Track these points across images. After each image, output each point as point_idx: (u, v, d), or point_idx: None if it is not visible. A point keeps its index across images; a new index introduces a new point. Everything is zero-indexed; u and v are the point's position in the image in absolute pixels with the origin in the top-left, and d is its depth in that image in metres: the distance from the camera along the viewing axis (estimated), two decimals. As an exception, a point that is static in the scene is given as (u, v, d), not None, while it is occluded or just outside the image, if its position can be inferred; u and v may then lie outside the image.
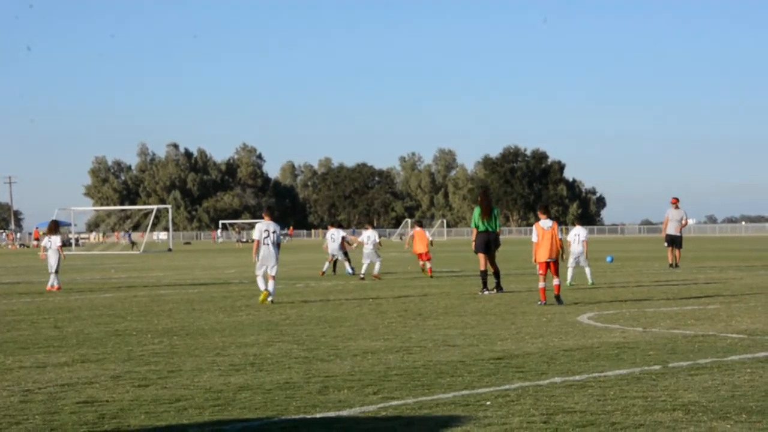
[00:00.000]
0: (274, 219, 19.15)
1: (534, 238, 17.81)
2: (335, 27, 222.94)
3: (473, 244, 20.50)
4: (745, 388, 8.79)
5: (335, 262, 30.17)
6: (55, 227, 25.56)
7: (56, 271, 24.37)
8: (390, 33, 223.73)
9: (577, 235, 23.71)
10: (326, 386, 9.15)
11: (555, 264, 17.66)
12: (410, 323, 14.70)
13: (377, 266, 27.23)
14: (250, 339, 12.96)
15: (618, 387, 8.88)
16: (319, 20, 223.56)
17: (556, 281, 17.68)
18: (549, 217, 17.98)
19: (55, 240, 24.71)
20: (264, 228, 18.81)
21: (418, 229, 28.85)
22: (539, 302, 17.54)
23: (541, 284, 17.71)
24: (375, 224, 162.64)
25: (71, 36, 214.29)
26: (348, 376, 9.68)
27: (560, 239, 17.79)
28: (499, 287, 20.48)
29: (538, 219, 18.15)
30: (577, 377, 9.42)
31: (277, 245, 18.85)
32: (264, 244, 18.78)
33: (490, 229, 20.31)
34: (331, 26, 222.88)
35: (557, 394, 8.60)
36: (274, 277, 18.87)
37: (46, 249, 24.68)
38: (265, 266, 18.79)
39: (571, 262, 23.40)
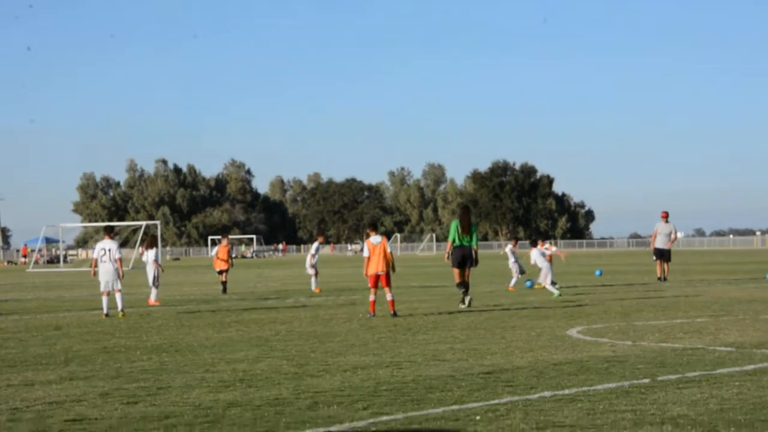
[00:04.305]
0: (113, 238, 20.50)
1: (365, 253, 18.77)
2: (323, 42, 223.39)
3: (446, 255, 20.61)
4: (734, 401, 8.82)
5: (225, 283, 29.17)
6: (152, 241, 25.77)
7: (156, 285, 24.60)
8: (378, 47, 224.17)
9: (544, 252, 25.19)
10: (316, 402, 9.14)
11: (386, 277, 18.68)
12: (400, 338, 14.70)
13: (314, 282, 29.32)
14: (239, 355, 12.94)
15: (607, 401, 8.90)
16: (306, 37, 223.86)
17: (389, 296, 18.78)
18: (378, 233, 19.05)
19: (151, 254, 24.94)
20: (101, 247, 20.20)
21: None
22: (369, 315, 18.55)
23: (371, 297, 18.78)
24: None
25: (62, 54, 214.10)
26: (338, 392, 9.67)
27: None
28: (466, 294, 20.44)
29: (369, 236, 19.01)
30: (567, 391, 9.44)
31: (115, 261, 20.12)
32: (102, 261, 20.09)
33: (465, 244, 20.33)
34: (319, 42, 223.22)
35: (547, 408, 8.62)
36: (119, 290, 20.19)
37: (144, 263, 25.26)
38: (107, 282, 20.04)
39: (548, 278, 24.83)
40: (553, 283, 24.96)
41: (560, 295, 23.93)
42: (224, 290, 28.85)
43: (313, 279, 29.44)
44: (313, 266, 29.47)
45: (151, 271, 24.75)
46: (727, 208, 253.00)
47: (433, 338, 14.58)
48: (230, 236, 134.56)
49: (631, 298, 23.28)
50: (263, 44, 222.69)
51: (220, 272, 29.22)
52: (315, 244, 30.32)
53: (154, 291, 24.63)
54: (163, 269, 25.89)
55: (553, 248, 28.44)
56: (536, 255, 25.17)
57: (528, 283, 28.23)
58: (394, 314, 18.58)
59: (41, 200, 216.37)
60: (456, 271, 20.41)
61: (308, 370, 11.27)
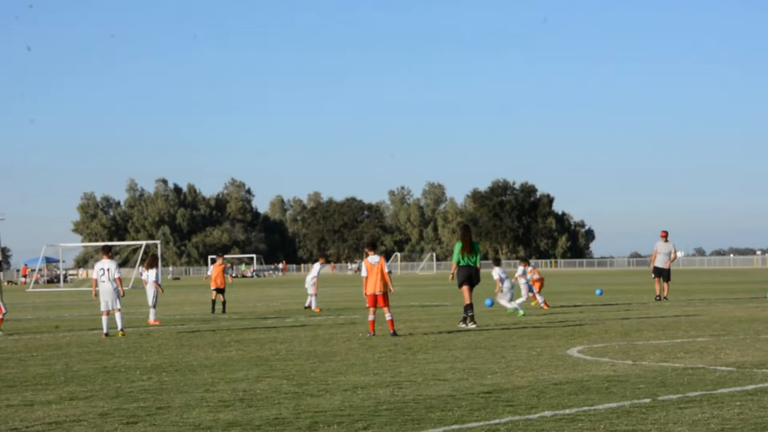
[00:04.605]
0: (111, 258, 20.45)
1: (363, 273, 18.85)
2: (322, 62, 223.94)
3: (451, 276, 21.12)
4: (735, 421, 8.80)
5: (215, 302, 29.04)
6: (153, 261, 25.85)
7: (154, 306, 24.64)
8: (378, 67, 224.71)
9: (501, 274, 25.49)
10: (316, 422, 9.12)
11: (384, 297, 18.69)
12: (400, 357, 14.68)
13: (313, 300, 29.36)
14: (239, 374, 12.92)
15: (608, 420, 8.88)
16: (305, 57, 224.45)
17: (388, 316, 18.82)
18: (377, 253, 19.11)
19: (152, 274, 25.02)
20: (100, 267, 20.17)
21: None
22: (369, 334, 18.58)
23: (370, 316, 18.79)
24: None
25: (59, 70, 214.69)
26: (338, 411, 9.65)
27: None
28: (472, 320, 20.55)
29: (367, 255, 19.03)
30: (567, 411, 9.42)
31: (114, 281, 20.04)
32: (101, 281, 20.05)
33: (470, 264, 20.60)
34: (318, 62, 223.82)
35: (547, 428, 8.60)
36: (119, 310, 20.13)
37: (146, 282, 25.22)
38: (106, 302, 19.97)
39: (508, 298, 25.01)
40: (539, 300, 25.21)
41: (513, 311, 24.56)
42: (224, 310, 28.83)
43: (313, 298, 29.44)
44: (314, 286, 29.49)
45: (150, 291, 24.79)
46: (727, 227, 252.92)
47: (434, 358, 14.56)
48: (231, 255, 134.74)
49: (631, 317, 23.25)
50: (263, 64, 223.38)
51: (217, 291, 29.15)
52: (317, 265, 30.32)
53: (152, 311, 24.64)
54: (163, 290, 25.91)
55: (530, 273, 28.63)
56: (498, 273, 25.36)
57: (488, 302, 28.34)
58: (394, 333, 18.57)
59: (41, 220, 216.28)
60: (465, 289, 20.56)
61: (308, 390, 11.25)
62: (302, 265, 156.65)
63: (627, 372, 12.31)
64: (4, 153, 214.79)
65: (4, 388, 12.13)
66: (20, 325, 25.13)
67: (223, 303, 29.01)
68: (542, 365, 13.25)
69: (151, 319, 24.46)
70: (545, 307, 27.55)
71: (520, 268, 28.63)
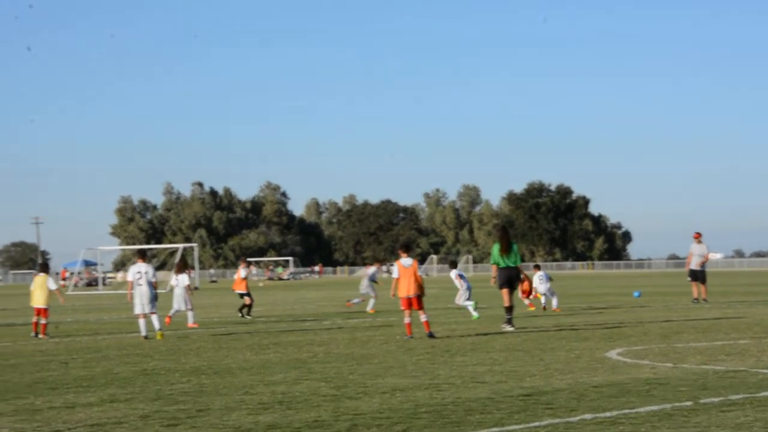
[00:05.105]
0: (146, 261, 20.76)
1: (395, 275, 18.78)
2: (357, 64, 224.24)
3: (492, 279, 21.12)
4: (779, 424, 8.69)
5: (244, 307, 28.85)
6: (183, 266, 25.94)
7: (190, 308, 24.84)
8: (412, 72, 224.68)
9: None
10: (355, 424, 9.13)
11: (418, 299, 18.61)
12: (438, 360, 14.66)
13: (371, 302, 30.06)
14: (278, 377, 12.97)
15: (649, 423, 8.81)
16: (340, 62, 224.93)
17: (423, 317, 18.74)
18: (410, 255, 18.92)
19: (183, 279, 25.22)
20: (137, 270, 20.41)
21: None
22: (406, 336, 18.49)
23: (406, 319, 18.70)
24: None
25: (93, 76, 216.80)
26: (377, 414, 9.65)
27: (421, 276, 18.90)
28: (510, 322, 20.53)
29: (400, 257, 18.97)
30: (608, 414, 9.35)
31: (151, 284, 20.28)
32: (138, 284, 20.27)
33: (510, 265, 20.55)
34: (353, 64, 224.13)
35: (588, 431, 8.54)
36: (154, 313, 20.30)
37: (175, 287, 25.55)
38: (142, 306, 20.19)
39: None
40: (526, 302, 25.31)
41: (478, 317, 24.15)
42: (249, 312, 28.72)
43: (373, 300, 30.54)
44: (372, 288, 30.86)
45: (180, 295, 24.88)
46: (767, 228, 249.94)
47: (472, 360, 14.52)
48: (267, 258, 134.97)
49: (670, 319, 23.06)
50: (297, 67, 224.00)
51: (245, 295, 29.08)
52: (373, 269, 31.70)
53: (191, 314, 24.81)
54: (193, 292, 25.93)
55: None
56: (454, 276, 25.43)
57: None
58: (431, 335, 18.54)
59: (80, 223, 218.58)
60: (505, 291, 20.54)
61: (347, 392, 11.27)
62: (338, 268, 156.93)
63: (667, 375, 12.21)
64: (42, 157, 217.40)
65: (46, 390, 12.27)
66: (61, 328, 25.37)
67: (246, 306, 28.72)
68: (581, 368, 13.18)
69: (190, 322, 24.65)
70: (532, 307, 27.97)
71: (542, 274, 28.47)
